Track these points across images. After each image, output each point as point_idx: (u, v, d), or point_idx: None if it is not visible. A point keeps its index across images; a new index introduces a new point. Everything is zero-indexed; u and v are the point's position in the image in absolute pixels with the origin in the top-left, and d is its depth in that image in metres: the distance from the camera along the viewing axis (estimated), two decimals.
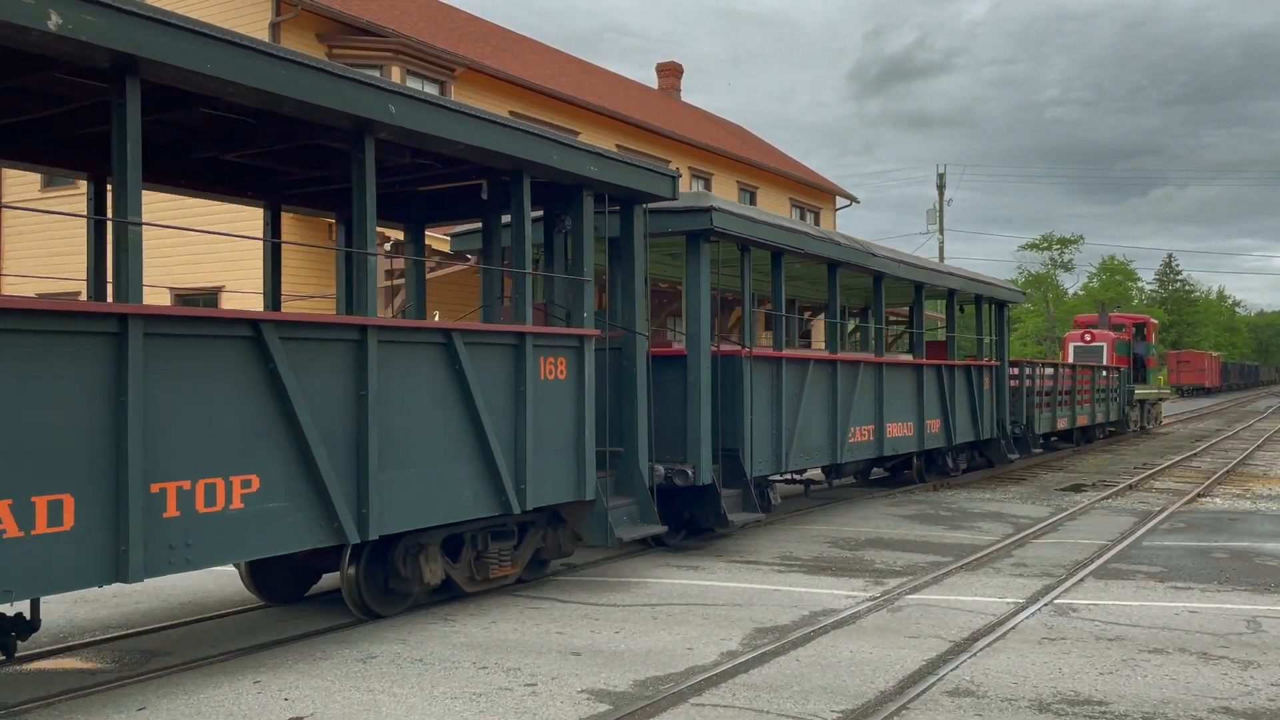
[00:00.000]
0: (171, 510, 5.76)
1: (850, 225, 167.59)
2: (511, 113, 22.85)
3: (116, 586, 6.68)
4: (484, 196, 8.93)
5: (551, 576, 9.37)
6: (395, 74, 19.56)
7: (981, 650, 6.89)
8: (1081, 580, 9.28)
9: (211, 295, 18.85)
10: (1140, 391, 30.21)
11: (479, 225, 10.17)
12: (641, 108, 29.81)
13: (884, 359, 14.51)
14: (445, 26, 24.25)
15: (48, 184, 21.73)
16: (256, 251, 13.63)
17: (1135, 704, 5.79)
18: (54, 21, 4.97)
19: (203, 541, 5.93)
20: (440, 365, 7.50)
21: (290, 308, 16.70)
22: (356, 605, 7.66)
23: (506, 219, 8.81)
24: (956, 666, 6.49)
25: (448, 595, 8.31)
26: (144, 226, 5.62)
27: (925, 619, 7.80)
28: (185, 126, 7.40)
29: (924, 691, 5.98)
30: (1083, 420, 24.63)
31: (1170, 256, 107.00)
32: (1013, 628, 7.51)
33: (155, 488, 5.67)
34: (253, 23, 18.81)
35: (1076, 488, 16.85)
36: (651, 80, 37.95)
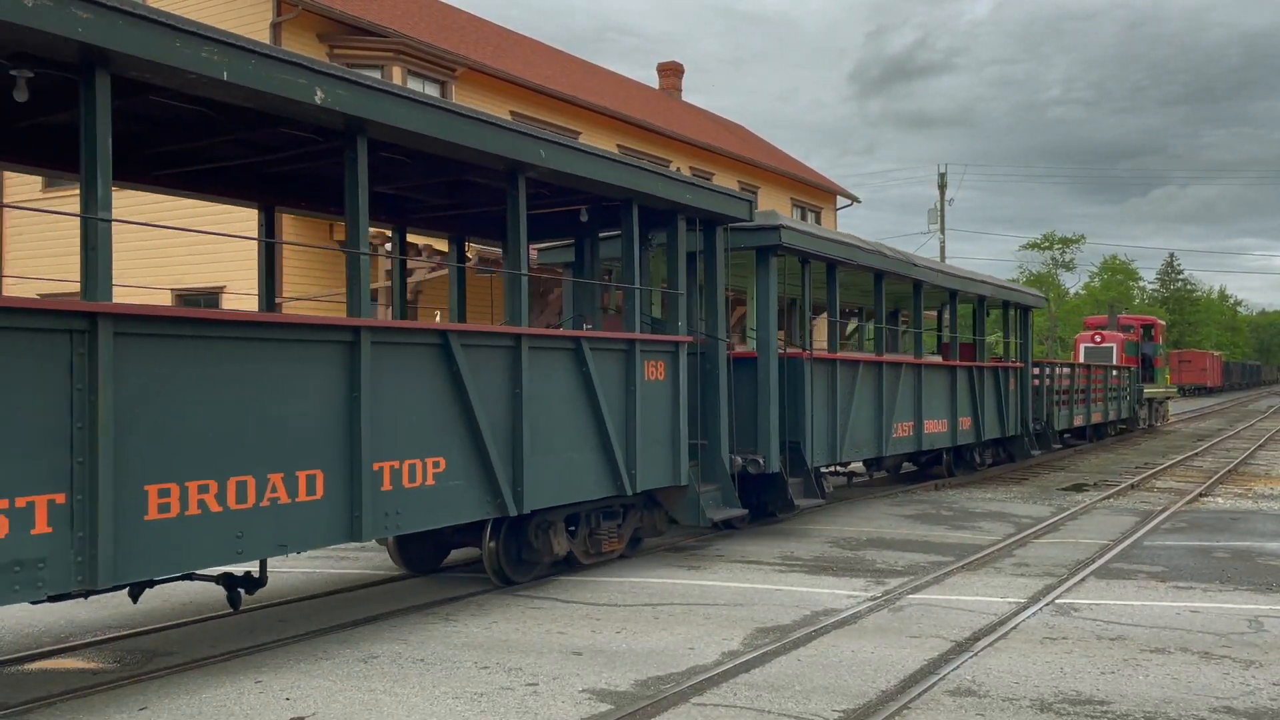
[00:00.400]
0: (386, 485, 7.14)
1: (851, 225, 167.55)
2: (512, 113, 22.85)
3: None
4: (583, 219, 10.04)
5: (552, 577, 9.38)
6: (396, 74, 19.57)
7: (983, 650, 6.89)
8: (1083, 580, 9.28)
9: (213, 295, 18.85)
10: (1149, 390, 31.31)
11: (569, 241, 11.84)
12: (642, 108, 29.81)
13: (923, 360, 15.51)
14: (446, 27, 24.25)
15: (49, 185, 21.75)
16: (250, 251, 13.75)
17: (1137, 704, 5.79)
18: (319, 96, 6.33)
19: (407, 510, 7.30)
20: (571, 368, 8.92)
21: (297, 308, 16.86)
22: (495, 573, 8.88)
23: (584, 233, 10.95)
24: (958, 666, 6.49)
25: (565, 567, 9.50)
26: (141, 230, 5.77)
27: (927, 619, 7.80)
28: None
29: (925, 691, 5.98)
30: (1097, 418, 25.50)
31: (1172, 256, 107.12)
32: (1014, 627, 7.51)
33: (375, 466, 7.01)
34: (253, 23, 18.81)
35: (1078, 487, 16.84)
36: (652, 80, 37.94)
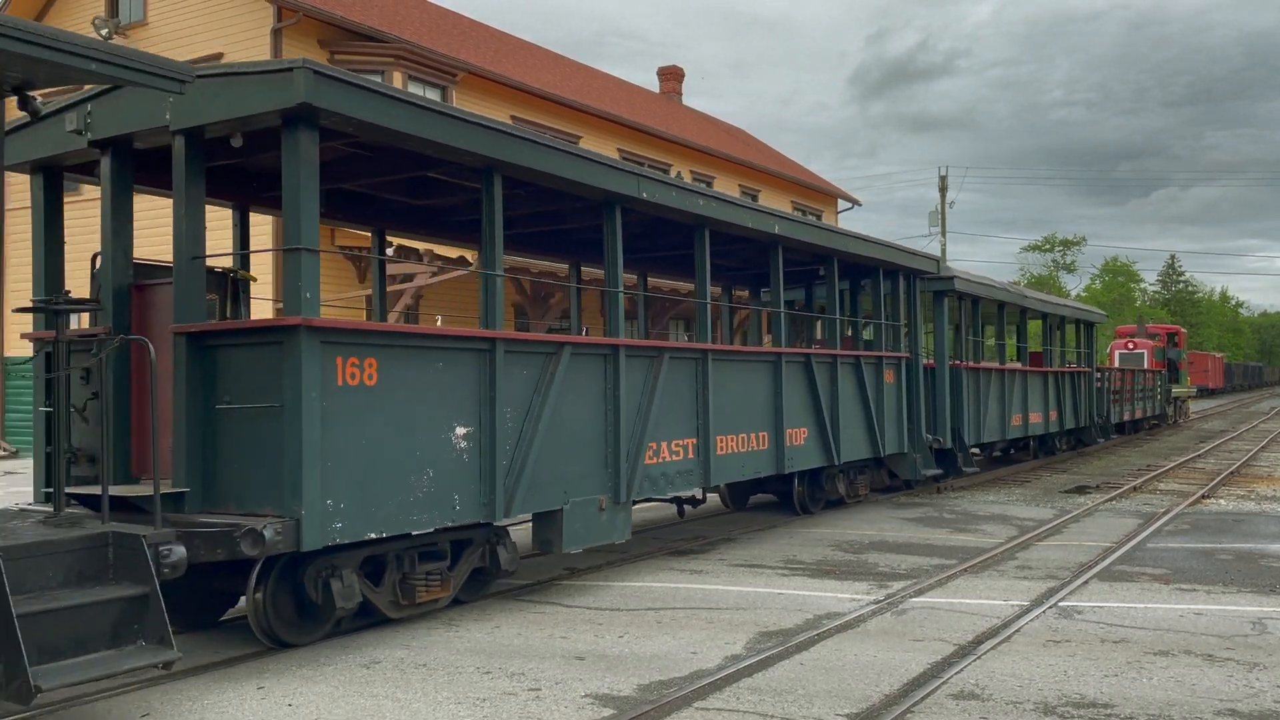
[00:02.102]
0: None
1: (852, 227, 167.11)
2: (513, 117, 22.91)
3: None
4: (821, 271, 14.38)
5: (554, 581, 9.37)
6: (396, 79, 19.59)
7: (986, 653, 6.88)
8: (1086, 582, 9.27)
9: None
10: (1175, 390, 36.32)
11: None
12: (643, 112, 29.83)
13: (1028, 369, 20.71)
14: (447, 31, 24.27)
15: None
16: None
17: (1141, 706, 5.78)
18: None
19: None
20: (851, 375, 13.72)
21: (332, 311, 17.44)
22: (802, 508, 13.60)
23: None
24: (961, 669, 6.48)
25: (836, 504, 14.39)
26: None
27: (930, 622, 7.78)
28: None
29: (929, 695, 5.97)
30: (1138, 414, 30.21)
31: (1173, 257, 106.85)
32: (1017, 630, 7.50)
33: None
34: (254, 29, 18.84)
35: (1080, 489, 16.82)
36: (653, 84, 37.96)
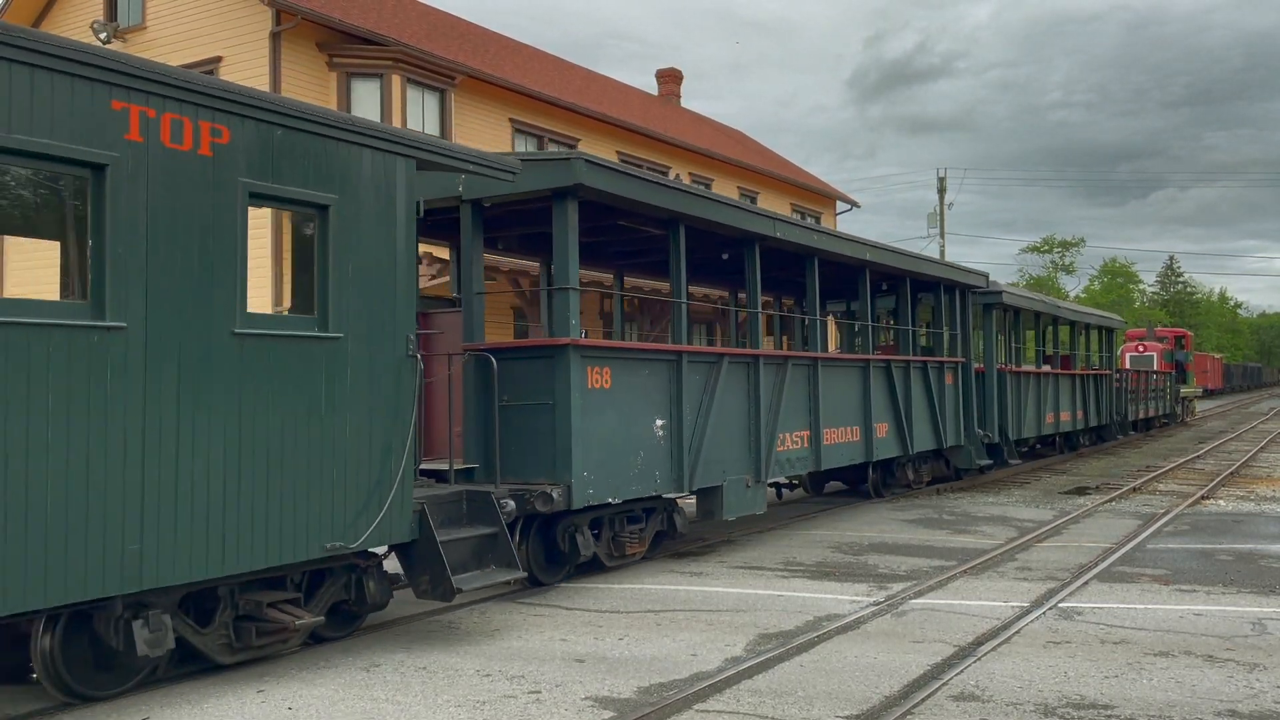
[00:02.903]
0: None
1: (851, 229, 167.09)
2: (511, 120, 22.88)
3: None
4: (883, 286, 16.94)
5: (555, 585, 9.37)
6: (395, 83, 19.59)
7: (986, 654, 6.88)
8: (1086, 583, 9.26)
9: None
10: (1183, 390, 38.77)
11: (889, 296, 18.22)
12: (642, 114, 29.83)
13: (1058, 371, 23.10)
14: (445, 34, 24.27)
15: None
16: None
17: (1141, 707, 5.78)
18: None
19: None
20: (921, 378, 15.87)
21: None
22: (876, 491, 15.87)
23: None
24: (961, 671, 6.48)
25: (906, 489, 16.49)
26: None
27: (929, 623, 7.78)
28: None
29: (929, 696, 5.96)
30: (1151, 412, 32.35)
31: (1172, 258, 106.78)
32: (1017, 631, 7.50)
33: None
34: (253, 33, 18.84)
35: (1080, 490, 16.83)
36: (652, 86, 37.97)
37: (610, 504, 9.48)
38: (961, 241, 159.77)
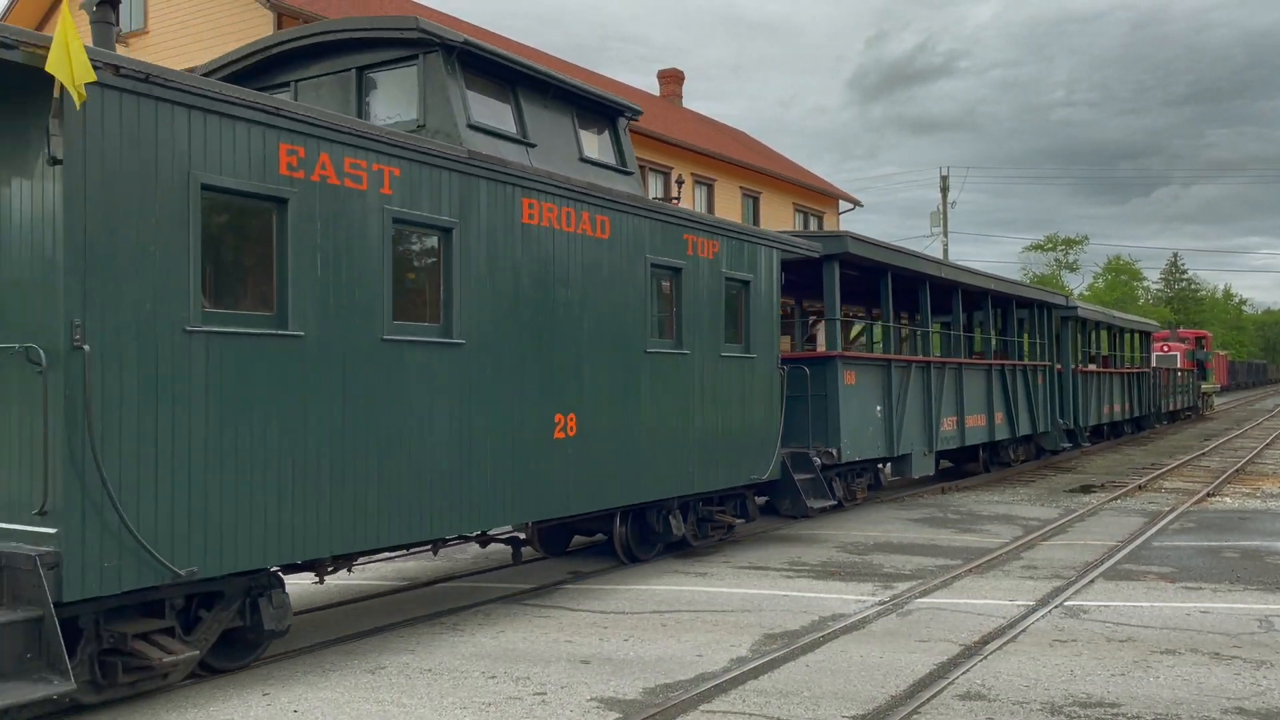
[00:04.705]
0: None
1: (854, 228, 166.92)
2: None
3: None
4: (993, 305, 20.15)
5: (559, 585, 9.36)
6: None
7: (992, 653, 6.86)
8: (1092, 582, 9.24)
9: None
10: (1204, 386, 43.16)
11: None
12: (644, 115, 29.80)
13: (1113, 370, 27.41)
14: None
15: None
16: None
17: (1148, 705, 5.76)
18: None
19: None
20: (1027, 378, 20.24)
21: None
22: (985, 468, 19.33)
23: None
24: (967, 670, 6.47)
25: (1003, 466, 20.02)
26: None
27: (935, 623, 7.77)
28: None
29: (935, 695, 5.95)
30: (1178, 405, 36.66)
31: (1176, 255, 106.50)
32: (1023, 630, 7.48)
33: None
34: (254, 35, 18.86)
35: (1085, 489, 16.80)
36: (654, 87, 37.95)
37: (855, 461, 13.79)
38: (964, 240, 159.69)
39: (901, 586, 9.14)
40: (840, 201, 38.84)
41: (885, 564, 10.31)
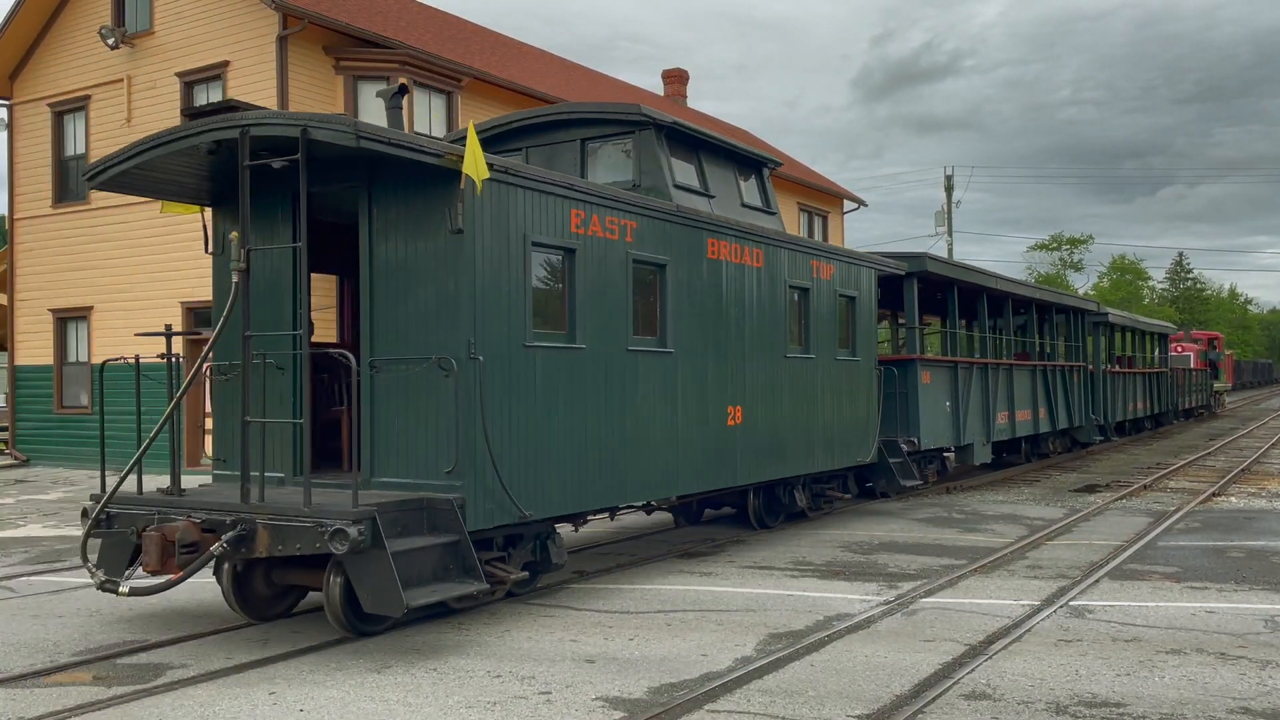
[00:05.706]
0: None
1: (859, 228, 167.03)
2: None
3: (128, 599, 7.80)
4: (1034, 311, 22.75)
5: (564, 584, 9.38)
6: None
7: (997, 653, 6.86)
8: (1097, 581, 9.24)
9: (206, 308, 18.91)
10: (1216, 386, 45.49)
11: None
12: None
13: (1134, 370, 29.45)
14: (452, 37, 24.30)
15: (59, 200, 21.85)
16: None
17: (1153, 705, 5.76)
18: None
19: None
20: (1065, 377, 22.76)
21: None
22: (1027, 459, 21.54)
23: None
24: (972, 670, 6.47)
25: (1041, 457, 21.98)
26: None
27: (940, 622, 7.77)
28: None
29: (940, 695, 5.95)
30: (1193, 403, 38.77)
31: (1181, 255, 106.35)
32: (1028, 630, 7.48)
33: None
34: (260, 36, 18.87)
35: (1090, 488, 16.78)
36: (659, 87, 37.95)
37: (929, 449, 15.67)
38: (969, 239, 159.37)
39: (906, 586, 9.14)
40: (845, 201, 38.81)
41: (890, 563, 10.31)
